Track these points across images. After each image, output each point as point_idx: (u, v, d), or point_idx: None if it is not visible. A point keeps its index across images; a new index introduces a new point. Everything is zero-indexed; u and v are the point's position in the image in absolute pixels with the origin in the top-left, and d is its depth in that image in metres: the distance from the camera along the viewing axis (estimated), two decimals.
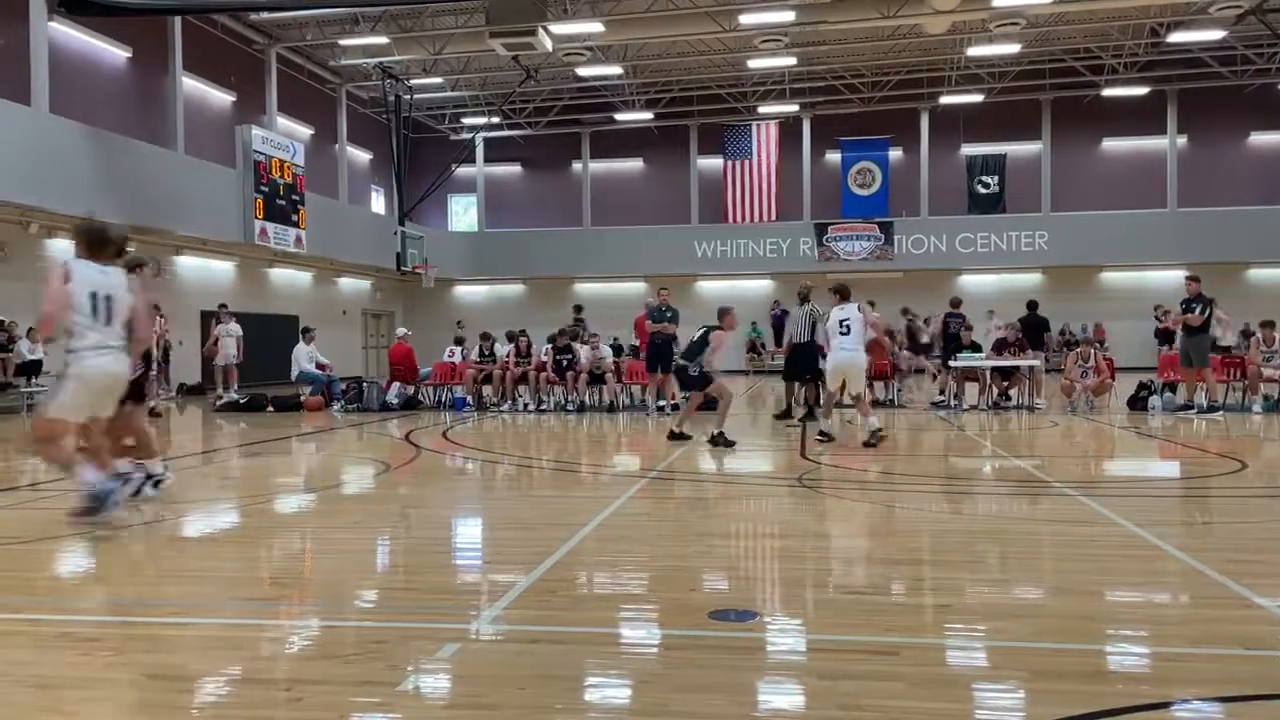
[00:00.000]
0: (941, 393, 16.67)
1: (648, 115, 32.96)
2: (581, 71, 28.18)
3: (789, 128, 32.96)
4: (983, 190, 32.05)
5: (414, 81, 29.08)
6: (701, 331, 11.41)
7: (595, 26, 23.71)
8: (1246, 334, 19.46)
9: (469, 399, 17.08)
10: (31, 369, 16.68)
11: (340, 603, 4.70)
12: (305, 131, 28.83)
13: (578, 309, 21.25)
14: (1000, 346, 16.06)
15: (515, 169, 36.10)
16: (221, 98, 25.70)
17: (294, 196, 23.95)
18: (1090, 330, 28.30)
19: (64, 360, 6.09)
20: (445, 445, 11.84)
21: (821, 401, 11.42)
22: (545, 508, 7.51)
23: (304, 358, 17.74)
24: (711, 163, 33.77)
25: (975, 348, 16.22)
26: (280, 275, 27.16)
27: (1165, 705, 3.21)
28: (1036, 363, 15.89)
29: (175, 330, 19.67)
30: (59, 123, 17.78)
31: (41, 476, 8.27)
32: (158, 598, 4.80)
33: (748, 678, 3.53)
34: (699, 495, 8.19)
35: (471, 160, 33.84)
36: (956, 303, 17.66)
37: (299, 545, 6.27)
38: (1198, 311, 14.47)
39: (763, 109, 32.29)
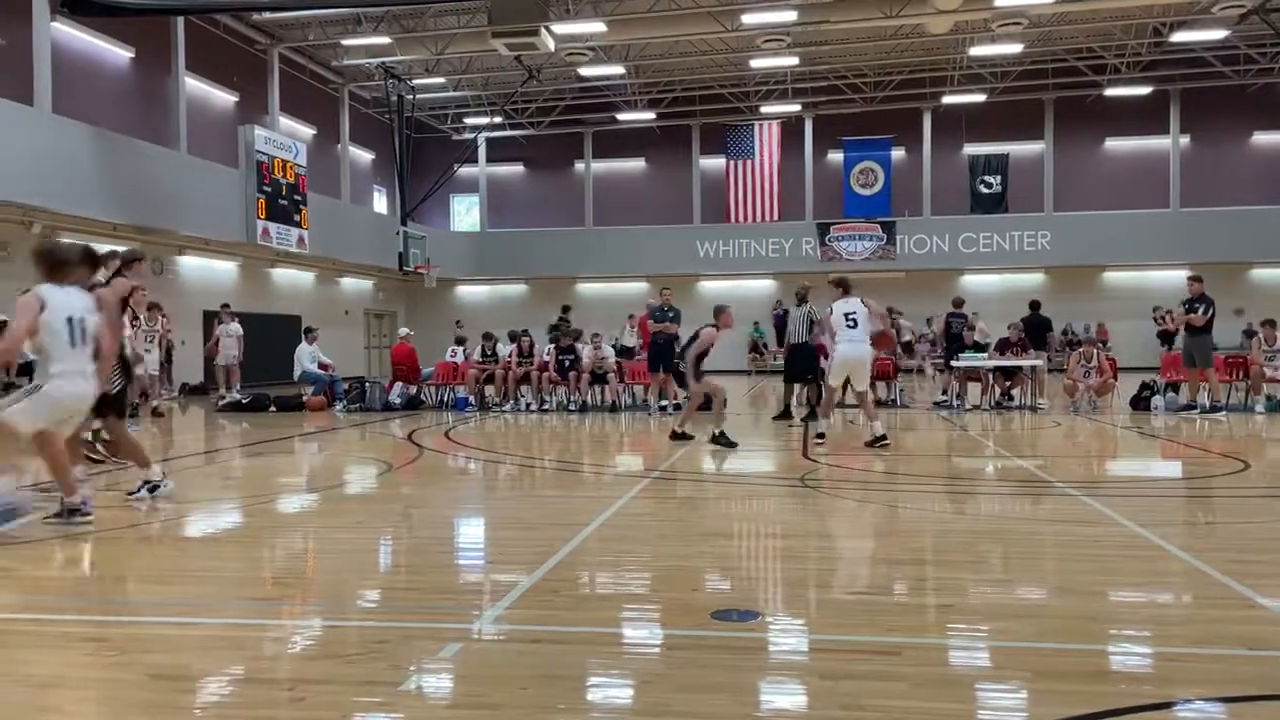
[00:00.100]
0: (944, 392, 16.67)
1: (650, 115, 32.96)
2: (584, 71, 28.19)
3: (791, 127, 32.96)
4: (985, 190, 32.03)
5: (416, 81, 29.10)
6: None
7: (597, 26, 23.72)
8: (1249, 333, 19.45)
9: (471, 399, 17.09)
10: (34, 369, 16.69)
11: (343, 602, 4.70)
12: (308, 131, 28.86)
13: (564, 309, 21.25)
14: (1003, 346, 16.06)
15: (517, 169, 36.12)
16: (224, 98, 25.73)
17: (296, 196, 23.96)
18: (1093, 330, 28.29)
19: (37, 374, 6.10)
20: (447, 445, 11.84)
21: (822, 403, 11.35)
22: (547, 508, 7.51)
23: (306, 358, 17.75)
24: (714, 162, 33.77)
25: (978, 348, 16.23)
26: (282, 275, 27.19)
27: (1168, 705, 3.20)
28: (1039, 363, 15.88)
29: (177, 330, 19.72)
30: (62, 123, 17.81)
31: (44, 476, 8.27)
32: (160, 598, 4.80)
33: (750, 678, 3.53)
34: (701, 495, 8.18)
35: (474, 160, 33.87)
36: (959, 303, 17.66)
37: (301, 545, 6.27)
38: (1200, 311, 14.45)
39: (765, 109, 32.29)
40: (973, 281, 31.44)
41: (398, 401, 17.10)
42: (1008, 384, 15.98)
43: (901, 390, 17.37)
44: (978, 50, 27.06)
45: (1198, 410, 14.34)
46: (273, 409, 16.80)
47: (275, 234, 23.08)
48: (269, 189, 22.74)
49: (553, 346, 16.86)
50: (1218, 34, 25.96)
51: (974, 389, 16.34)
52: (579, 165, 34.99)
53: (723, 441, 10.52)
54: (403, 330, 20.05)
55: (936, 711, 3.17)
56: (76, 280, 6.36)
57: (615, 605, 4.62)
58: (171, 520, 6.75)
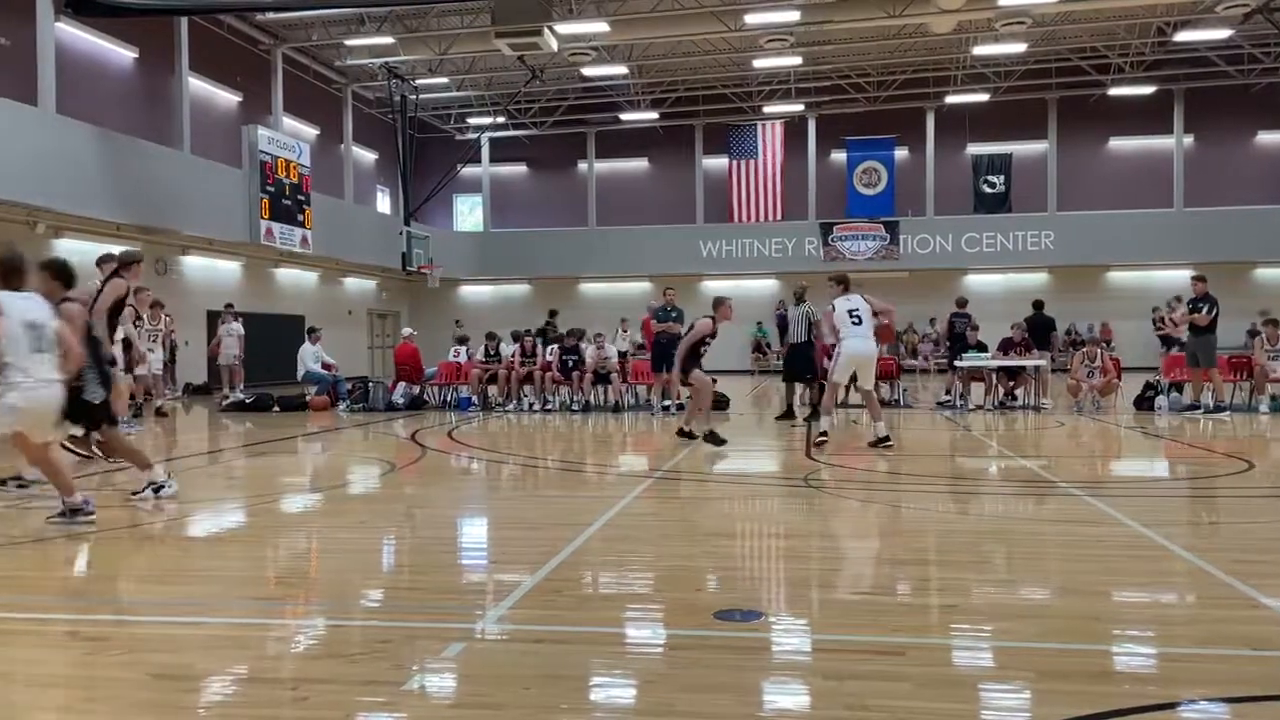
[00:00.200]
0: (947, 392, 16.66)
1: (653, 115, 32.95)
2: (587, 71, 28.18)
3: (794, 127, 32.94)
4: (988, 190, 31.99)
5: (419, 81, 29.12)
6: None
7: (601, 26, 23.71)
8: (1253, 333, 19.42)
9: (474, 399, 17.10)
10: None
11: (346, 602, 4.70)
12: (311, 131, 28.88)
13: (551, 314, 21.24)
14: (1006, 346, 16.05)
15: (520, 169, 36.12)
16: (227, 98, 25.75)
17: (300, 196, 23.98)
18: (1096, 330, 28.24)
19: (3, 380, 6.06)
20: (451, 445, 11.84)
21: (823, 401, 11.31)
22: (550, 507, 7.51)
23: (310, 358, 17.76)
24: (717, 162, 33.76)
25: (981, 347, 16.21)
26: (286, 275, 27.21)
27: (1172, 706, 3.20)
28: (1042, 362, 15.87)
29: (181, 330, 19.75)
30: (66, 123, 17.83)
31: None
32: (164, 597, 4.81)
33: (753, 678, 3.53)
34: (704, 495, 8.18)
35: (477, 160, 33.87)
36: (962, 303, 17.62)
37: (305, 545, 6.28)
38: (1204, 311, 14.43)
39: (768, 109, 32.26)
40: (976, 281, 31.40)
41: (401, 401, 17.10)
42: (1011, 384, 15.97)
43: (905, 390, 17.35)
44: (981, 50, 27.02)
45: (1201, 410, 14.32)
46: (276, 409, 16.81)
47: (279, 234, 23.10)
48: (272, 189, 22.76)
49: (556, 346, 16.85)
50: (1222, 33, 25.91)
51: (977, 389, 16.33)
52: (582, 165, 34.99)
53: (711, 439, 10.54)
54: (406, 330, 20.05)
55: (940, 712, 3.17)
56: (40, 288, 6.36)
57: (618, 605, 4.62)
58: (175, 520, 6.76)
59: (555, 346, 16.88)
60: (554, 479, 9.35)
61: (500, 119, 32.82)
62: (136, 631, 4.20)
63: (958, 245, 31.50)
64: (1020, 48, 26.99)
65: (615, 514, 6.74)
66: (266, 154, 22.63)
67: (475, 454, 10.98)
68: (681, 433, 11.21)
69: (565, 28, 23.02)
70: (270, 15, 24.50)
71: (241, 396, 17.70)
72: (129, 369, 11.62)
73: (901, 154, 32.89)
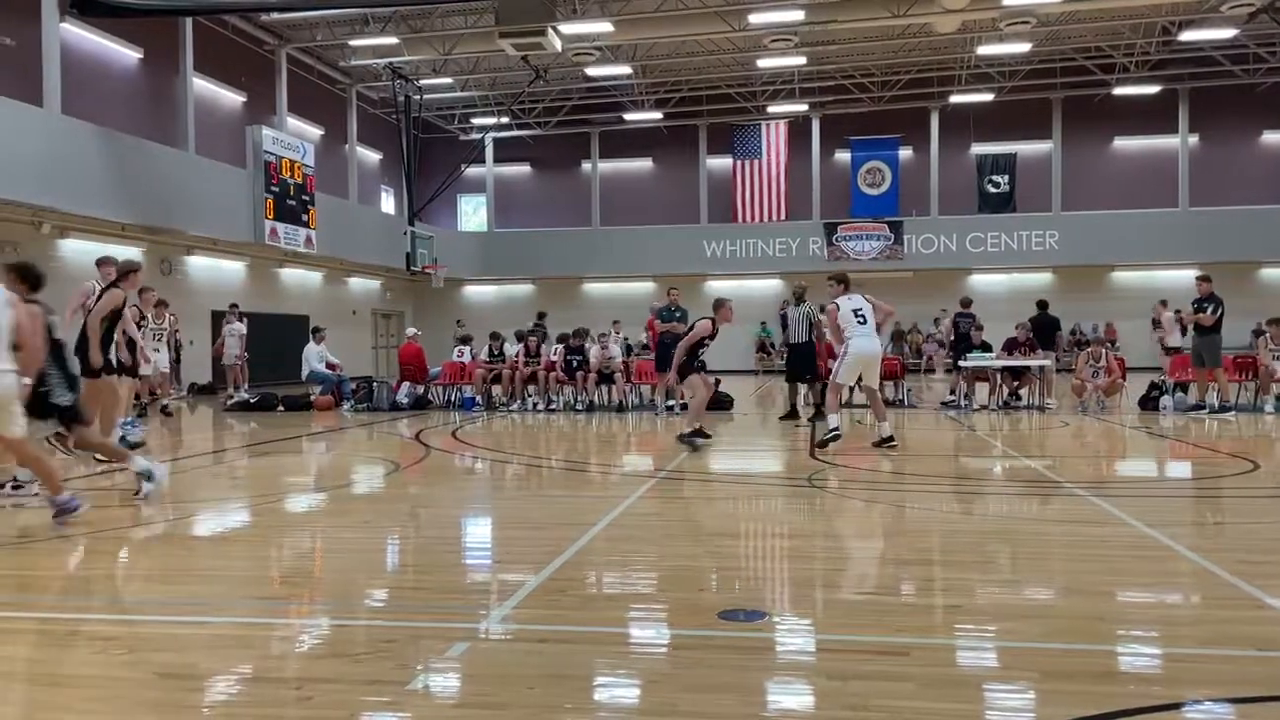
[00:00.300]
0: (952, 392, 16.64)
1: (657, 115, 32.96)
2: (591, 71, 28.20)
3: (798, 127, 32.94)
4: (993, 189, 31.96)
5: (424, 82, 29.14)
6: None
7: (604, 26, 23.71)
8: (1258, 333, 19.39)
9: (478, 399, 17.11)
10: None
11: (350, 602, 4.71)
12: (315, 132, 28.92)
13: (540, 316, 21.21)
14: (1010, 346, 16.03)
15: (524, 169, 36.14)
16: (232, 98, 25.79)
17: (304, 197, 24.02)
18: (1101, 330, 28.20)
19: None
20: (455, 445, 11.85)
21: (827, 401, 11.27)
22: (554, 507, 7.51)
23: (314, 357, 17.80)
24: (721, 162, 33.76)
25: (985, 347, 16.19)
26: (290, 275, 27.25)
27: (1176, 706, 3.19)
28: (1047, 362, 15.84)
29: (186, 330, 19.77)
30: (71, 124, 17.86)
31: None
32: (168, 597, 4.81)
33: (757, 678, 3.53)
34: (708, 495, 8.18)
35: (481, 160, 33.89)
36: (967, 303, 17.59)
37: (309, 544, 6.29)
38: (1209, 311, 14.41)
39: (772, 108, 32.25)
40: (980, 281, 31.37)
41: (405, 401, 17.12)
42: (1015, 384, 15.95)
43: (909, 390, 17.34)
44: (985, 49, 26.98)
45: (1206, 410, 14.29)
46: (280, 409, 16.84)
47: (283, 234, 23.13)
48: (277, 189, 22.79)
49: (561, 346, 16.86)
50: (1227, 33, 25.85)
51: (982, 389, 16.31)
52: (586, 165, 35.00)
53: (686, 440, 10.43)
54: (410, 330, 20.07)
55: (944, 712, 3.17)
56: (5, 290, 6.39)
57: (622, 605, 4.62)
58: (179, 519, 6.76)
59: (560, 346, 16.88)
60: (558, 479, 9.35)
61: (504, 119, 32.84)
62: (141, 631, 4.21)
63: (962, 245, 31.48)
64: (1025, 47, 26.96)
65: (619, 514, 6.75)
66: (271, 154, 22.67)
67: (479, 454, 10.98)
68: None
69: (569, 28, 23.02)
70: (275, 15, 24.54)
71: (246, 396, 17.74)
72: (134, 370, 11.64)
73: (906, 154, 32.87)
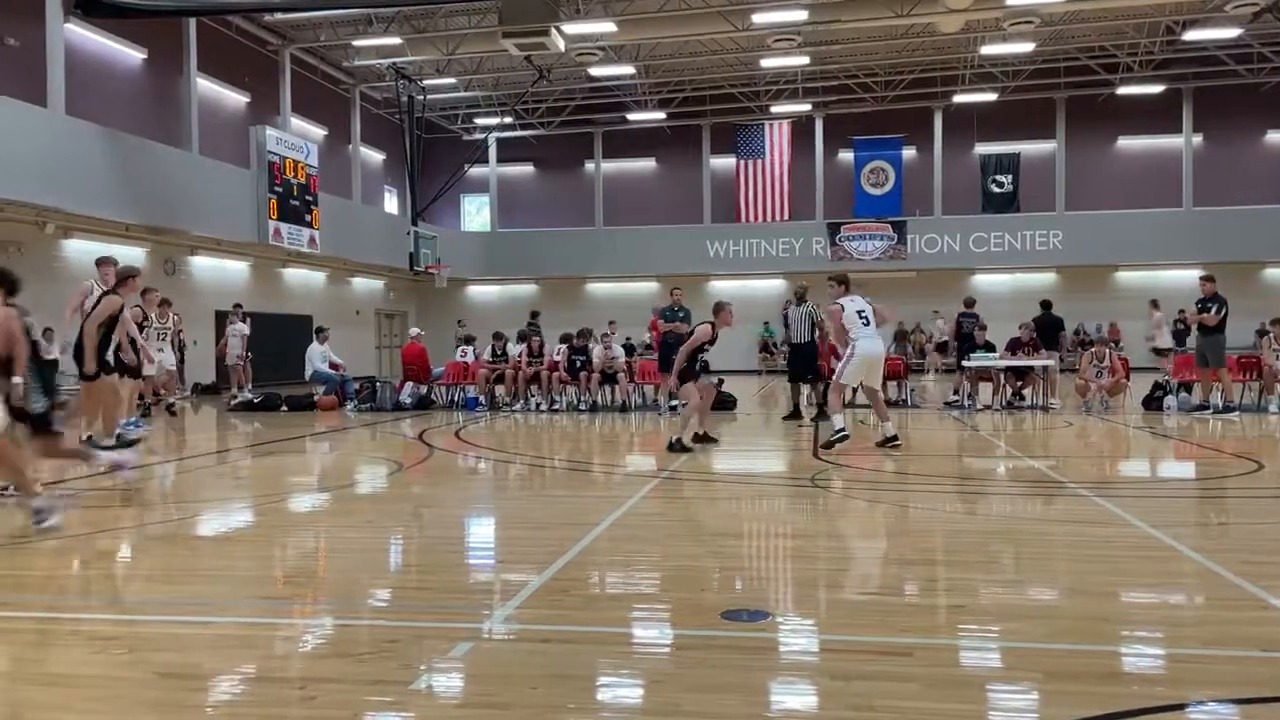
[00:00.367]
0: (955, 392, 16.62)
1: (660, 115, 32.96)
2: (594, 71, 28.20)
3: (802, 127, 32.92)
4: (997, 189, 31.93)
5: (427, 82, 29.16)
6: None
7: (608, 26, 23.72)
8: (1261, 333, 19.33)
9: (481, 399, 17.11)
10: (49, 367, 16.75)
11: (353, 602, 4.71)
12: (319, 132, 28.95)
13: (533, 315, 21.18)
14: (1014, 346, 16.01)
15: (528, 169, 36.16)
16: (236, 98, 25.82)
17: (307, 197, 24.04)
18: (1105, 330, 28.14)
19: None
20: (458, 445, 11.85)
21: (830, 401, 11.25)
22: (558, 507, 7.51)
23: (318, 358, 17.81)
24: (724, 162, 33.75)
25: (989, 347, 16.17)
26: (294, 275, 27.28)
27: (1180, 707, 3.19)
28: (1051, 363, 15.82)
29: (189, 330, 19.79)
30: (75, 124, 17.90)
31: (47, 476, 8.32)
32: (171, 596, 4.82)
33: (760, 678, 3.52)
34: (711, 495, 8.18)
35: (484, 160, 33.90)
36: (970, 303, 17.57)
37: (312, 544, 6.29)
38: (1213, 311, 14.38)
39: (775, 108, 32.25)
40: (984, 281, 31.34)
41: (408, 401, 17.13)
42: (1019, 384, 15.93)
43: (913, 390, 17.32)
44: (989, 49, 26.96)
45: (1210, 410, 14.27)
46: (284, 409, 16.85)
47: (286, 234, 23.15)
48: (280, 189, 22.82)
49: (564, 346, 16.85)
50: (1231, 32, 25.81)
51: (985, 389, 16.29)
52: (589, 165, 35.00)
53: (678, 447, 10.20)
54: (414, 330, 20.09)
55: (948, 712, 3.16)
56: None
57: (625, 605, 4.62)
58: (183, 519, 6.77)
59: (564, 346, 16.88)
60: (561, 479, 9.35)
61: (507, 119, 32.85)
62: (143, 630, 4.21)
63: (965, 245, 31.45)
64: (1028, 47, 26.94)
65: (622, 514, 6.74)
66: (274, 154, 22.70)
67: (482, 454, 10.98)
68: (697, 438, 11.13)
69: (572, 28, 23.03)
70: (278, 16, 24.57)
71: (249, 396, 17.75)
72: (137, 371, 11.66)
73: (909, 154, 32.85)
